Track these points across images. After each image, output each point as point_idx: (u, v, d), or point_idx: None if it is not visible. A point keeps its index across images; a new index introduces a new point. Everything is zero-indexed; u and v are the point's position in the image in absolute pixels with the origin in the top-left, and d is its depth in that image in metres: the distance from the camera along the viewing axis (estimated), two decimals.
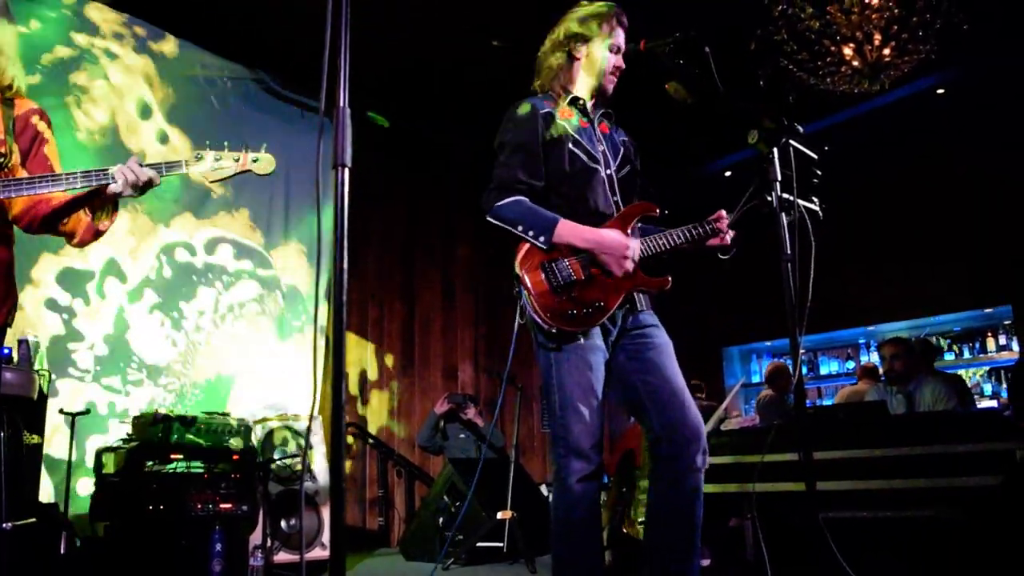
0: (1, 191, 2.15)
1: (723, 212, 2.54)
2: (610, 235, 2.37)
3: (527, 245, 2.37)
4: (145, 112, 5.61)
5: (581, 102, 2.58)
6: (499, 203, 2.40)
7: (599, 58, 2.57)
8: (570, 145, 2.47)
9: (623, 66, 2.59)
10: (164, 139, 5.65)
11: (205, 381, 5.64)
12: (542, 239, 2.34)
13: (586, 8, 2.62)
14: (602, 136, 2.59)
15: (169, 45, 5.82)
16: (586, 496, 2.30)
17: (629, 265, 2.35)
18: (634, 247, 2.37)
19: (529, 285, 2.33)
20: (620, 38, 2.59)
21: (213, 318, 5.76)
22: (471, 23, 5.86)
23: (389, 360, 7.17)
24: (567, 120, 2.52)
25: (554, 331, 2.33)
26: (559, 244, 2.35)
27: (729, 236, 2.53)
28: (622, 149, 2.61)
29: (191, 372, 5.57)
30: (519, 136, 2.47)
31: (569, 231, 2.36)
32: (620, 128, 2.70)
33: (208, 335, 5.71)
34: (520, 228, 2.36)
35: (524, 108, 2.52)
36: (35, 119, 2.38)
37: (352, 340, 6.91)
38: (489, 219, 2.41)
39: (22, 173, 2.29)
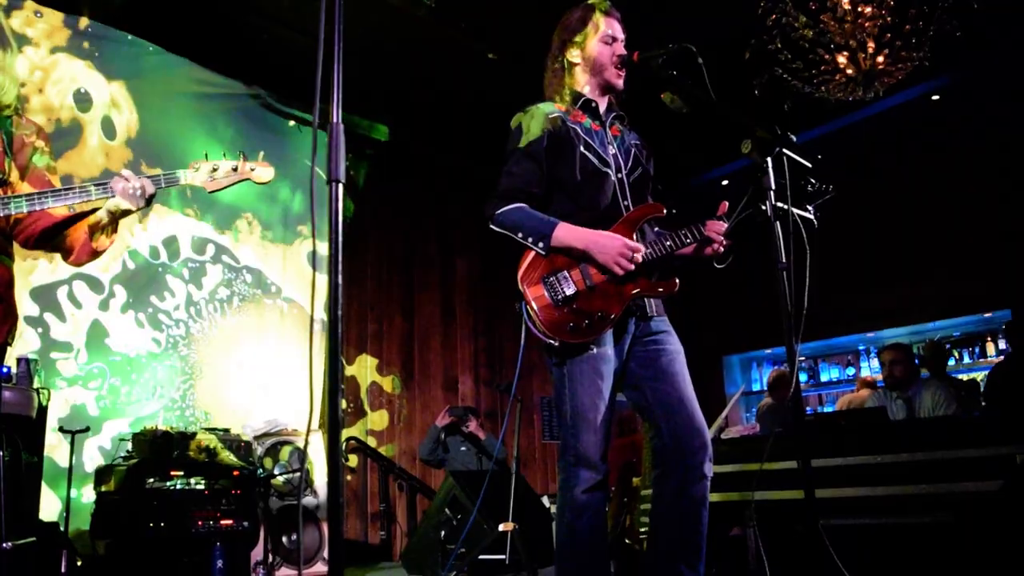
0: (1, 208, 2.16)
1: (725, 204, 2.49)
2: (606, 235, 2.35)
3: (528, 259, 2.37)
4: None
5: (593, 104, 2.57)
6: (500, 210, 2.40)
7: (595, 53, 2.55)
8: (581, 148, 2.47)
9: (625, 53, 2.55)
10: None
11: (199, 386, 5.66)
12: (541, 244, 2.35)
13: (572, 12, 2.62)
14: (613, 139, 2.57)
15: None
16: (591, 505, 2.30)
17: (628, 264, 2.30)
18: (635, 246, 2.33)
19: (531, 300, 2.33)
20: (613, 28, 2.57)
21: (188, 310, 5.76)
22: (469, 40, 5.89)
23: (389, 374, 7.17)
24: (578, 123, 2.51)
25: (557, 344, 2.33)
26: (558, 248, 2.34)
27: (719, 244, 2.46)
28: (634, 151, 2.60)
29: (177, 361, 5.59)
30: (524, 143, 2.47)
31: (566, 234, 2.35)
32: (633, 131, 2.68)
33: (187, 325, 5.72)
34: (520, 235, 2.37)
35: (532, 113, 2.52)
36: (32, 137, 2.39)
37: (352, 354, 6.93)
38: (491, 227, 2.41)
39: (21, 190, 2.30)
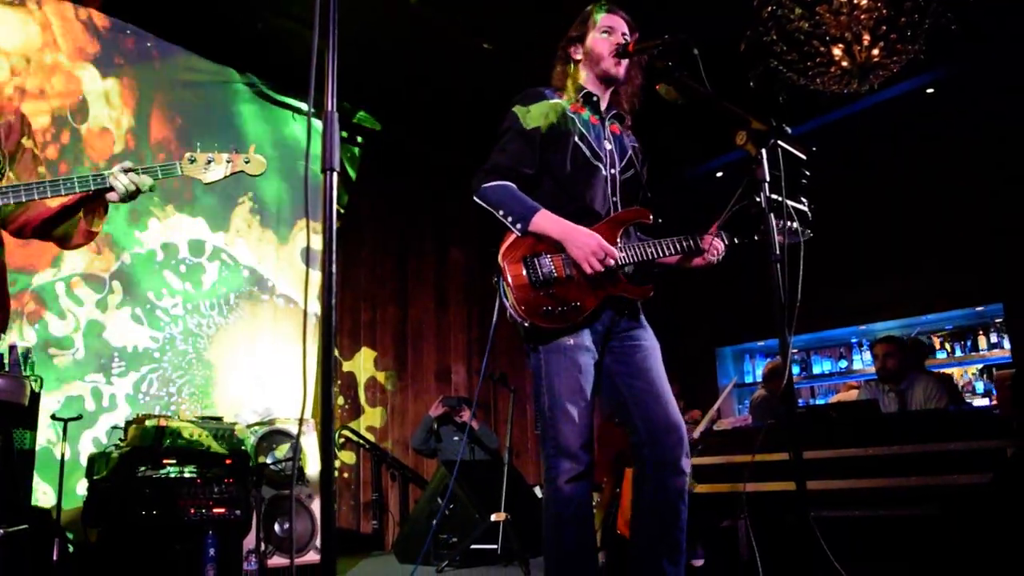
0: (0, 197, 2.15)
1: (716, 226, 2.52)
2: (584, 232, 2.36)
3: (512, 237, 2.38)
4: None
5: (595, 98, 2.60)
6: (486, 185, 2.42)
7: (592, 44, 2.59)
8: (575, 138, 2.48)
9: (622, 41, 2.56)
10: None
11: (195, 380, 5.67)
12: (519, 226, 2.36)
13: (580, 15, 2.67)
14: (611, 136, 2.59)
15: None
16: (576, 496, 2.30)
17: (598, 265, 2.31)
18: (610, 250, 2.34)
19: (509, 277, 2.34)
20: (611, 21, 2.60)
21: (185, 306, 5.77)
22: (466, 37, 5.88)
23: (382, 363, 7.16)
24: (577, 114, 2.53)
25: (527, 325, 2.34)
26: (535, 233, 2.36)
27: (715, 257, 2.52)
28: (629, 152, 2.61)
29: (174, 357, 5.61)
30: (520, 123, 2.49)
31: (545, 221, 2.36)
32: (632, 135, 2.70)
33: (183, 321, 5.74)
34: (501, 212, 2.39)
35: (533, 96, 2.54)
36: (18, 124, 2.37)
37: (345, 344, 6.92)
38: (475, 199, 2.43)
39: (9, 179, 2.29)
